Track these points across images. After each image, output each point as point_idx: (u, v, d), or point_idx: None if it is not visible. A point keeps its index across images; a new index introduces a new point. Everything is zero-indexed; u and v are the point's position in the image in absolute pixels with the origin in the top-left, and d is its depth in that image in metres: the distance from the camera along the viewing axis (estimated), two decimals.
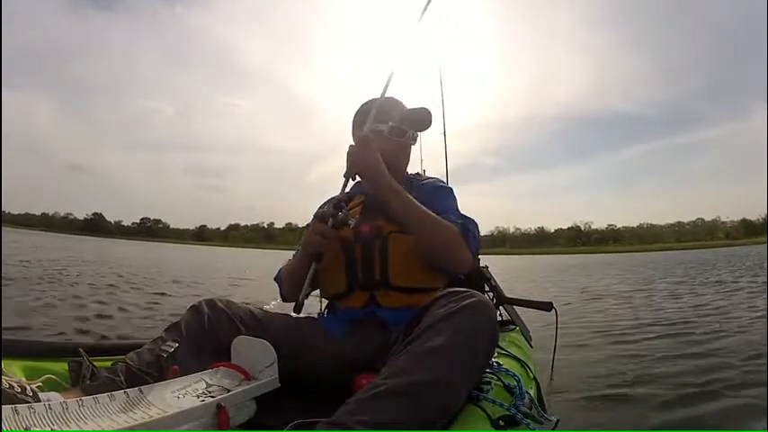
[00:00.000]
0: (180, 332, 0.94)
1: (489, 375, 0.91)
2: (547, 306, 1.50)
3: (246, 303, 1.09)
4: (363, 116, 1.16)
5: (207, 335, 0.96)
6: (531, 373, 1.13)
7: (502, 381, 0.89)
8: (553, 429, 0.78)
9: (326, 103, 51.86)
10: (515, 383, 0.86)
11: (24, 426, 0.56)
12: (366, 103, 1.22)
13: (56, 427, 0.59)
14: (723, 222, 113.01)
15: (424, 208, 1.01)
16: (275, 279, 1.22)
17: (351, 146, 1.02)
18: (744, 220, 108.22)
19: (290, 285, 1.14)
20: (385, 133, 1.15)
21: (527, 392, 0.84)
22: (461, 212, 1.12)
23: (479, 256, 1.57)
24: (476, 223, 1.09)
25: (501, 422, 0.73)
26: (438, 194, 1.15)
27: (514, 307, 1.67)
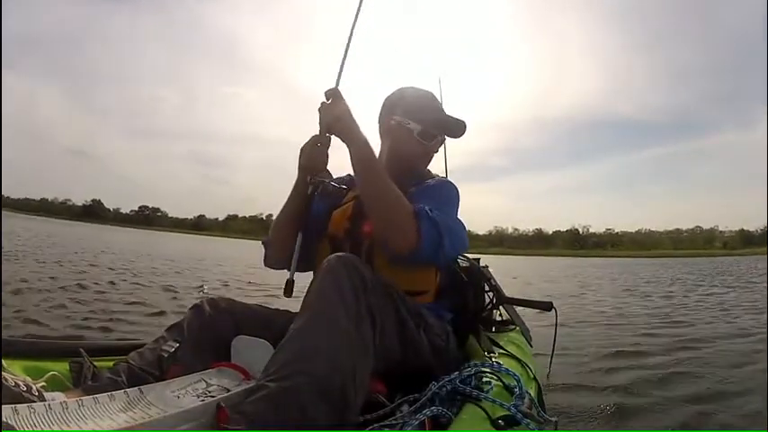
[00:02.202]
0: (181, 332, 0.95)
1: (489, 375, 0.91)
2: (547, 306, 1.49)
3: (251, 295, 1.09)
4: (392, 102, 1.14)
5: (208, 334, 0.96)
6: (531, 373, 1.13)
7: (502, 381, 0.89)
8: (553, 430, 0.78)
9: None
10: (515, 383, 0.85)
11: (23, 426, 0.56)
12: (397, 90, 1.17)
13: (56, 427, 0.59)
14: (721, 232, 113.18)
15: (386, 176, 0.95)
16: (263, 242, 1.15)
17: (322, 102, 0.98)
18: (742, 231, 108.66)
19: (278, 232, 1.08)
20: (414, 134, 1.10)
21: (527, 392, 0.84)
22: (452, 211, 1.05)
23: (479, 256, 1.57)
24: (453, 223, 1.01)
25: (501, 422, 0.73)
26: (429, 189, 1.09)
27: (515, 307, 1.67)
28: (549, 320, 1.57)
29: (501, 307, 1.60)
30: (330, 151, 1.01)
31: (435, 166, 1.24)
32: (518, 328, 1.56)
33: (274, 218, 1.13)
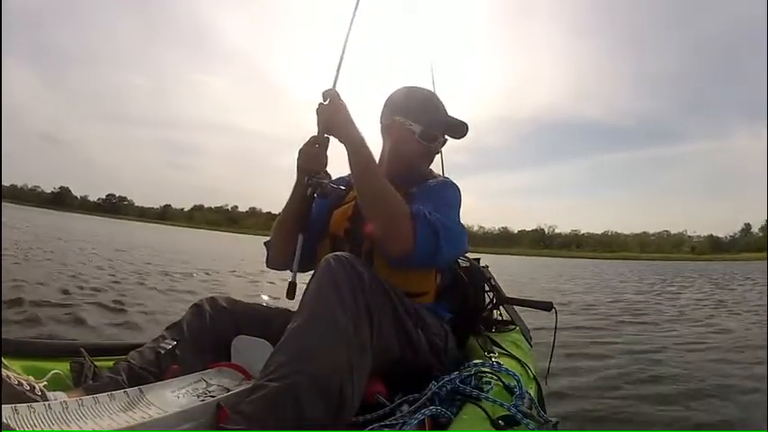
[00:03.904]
0: (181, 331, 0.94)
1: (489, 375, 0.91)
2: (547, 306, 1.49)
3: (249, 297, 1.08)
4: (394, 102, 1.12)
5: (208, 334, 0.96)
6: (530, 373, 1.13)
7: (502, 380, 0.89)
8: (553, 430, 0.78)
9: (301, 88, 50.40)
10: (515, 383, 0.86)
11: (23, 426, 0.56)
12: (399, 90, 1.15)
13: (56, 427, 0.59)
14: (690, 237, 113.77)
15: (383, 178, 0.95)
16: (265, 244, 1.15)
17: (320, 103, 0.97)
18: (711, 236, 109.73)
19: (278, 233, 1.08)
20: (416, 135, 1.09)
21: (527, 392, 0.84)
22: (452, 213, 1.03)
23: (479, 256, 1.57)
24: (452, 225, 0.98)
25: (501, 422, 0.73)
26: (430, 190, 1.07)
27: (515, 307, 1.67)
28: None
29: (501, 307, 1.60)
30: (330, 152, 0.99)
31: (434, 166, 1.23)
32: (518, 327, 1.56)
33: (275, 220, 1.12)
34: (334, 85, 0.99)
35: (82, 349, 0.91)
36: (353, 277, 0.78)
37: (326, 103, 0.96)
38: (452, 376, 0.86)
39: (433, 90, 1.21)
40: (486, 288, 1.46)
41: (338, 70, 1.01)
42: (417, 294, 1.00)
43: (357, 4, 1.06)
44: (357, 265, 0.80)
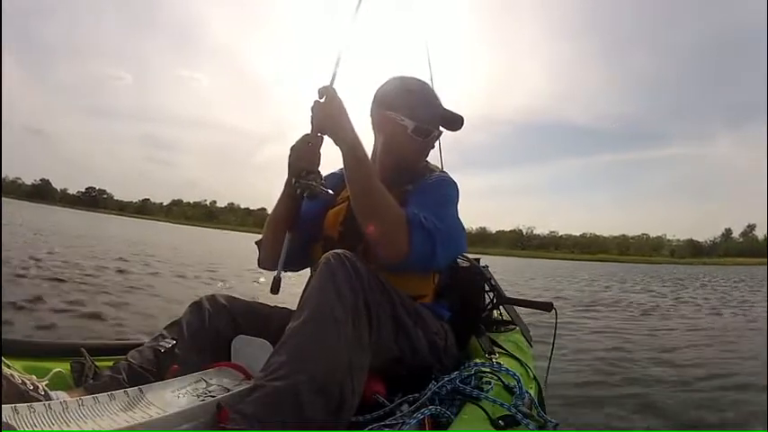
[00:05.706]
0: (181, 329, 0.94)
1: (489, 375, 0.91)
2: (547, 306, 1.49)
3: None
4: (385, 96, 1.08)
5: (207, 333, 0.95)
6: (531, 373, 1.13)
7: (502, 381, 0.89)
8: (553, 430, 0.78)
9: (282, 85, 50.26)
10: (515, 383, 0.86)
11: (23, 426, 0.56)
12: (390, 82, 1.09)
13: (56, 427, 0.59)
14: (669, 240, 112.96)
15: (378, 181, 0.91)
16: (256, 243, 1.11)
17: (315, 101, 0.92)
18: (691, 240, 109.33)
19: (269, 232, 1.05)
20: (409, 131, 1.04)
21: (527, 393, 0.84)
22: (450, 211, 1.02)
23: (479, 256, 1.57)
24: (450, 225, 0.97)
25: (501, 422, 0.74)
26: (427, 188, 1.04)
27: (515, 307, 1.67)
28: None
29: (501, 307, 1.60)
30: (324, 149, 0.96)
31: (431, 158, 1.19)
32: (518, 328, 1.56)
33: (267, 218, 1.09)
34: (332, 82, 0.95)
35: (82, 349, 0.91)
36: (353, 275, 0.77)
37: (322, 100, 0.92)
38: (452, 376, 0.86)
39: (431, 82, 1.18)
40: (487, 288, 1.46)
41: (336, 67, 0.97)
42: (415, 298, 0.99)
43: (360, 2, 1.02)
44: (357, 263, 0.80)
